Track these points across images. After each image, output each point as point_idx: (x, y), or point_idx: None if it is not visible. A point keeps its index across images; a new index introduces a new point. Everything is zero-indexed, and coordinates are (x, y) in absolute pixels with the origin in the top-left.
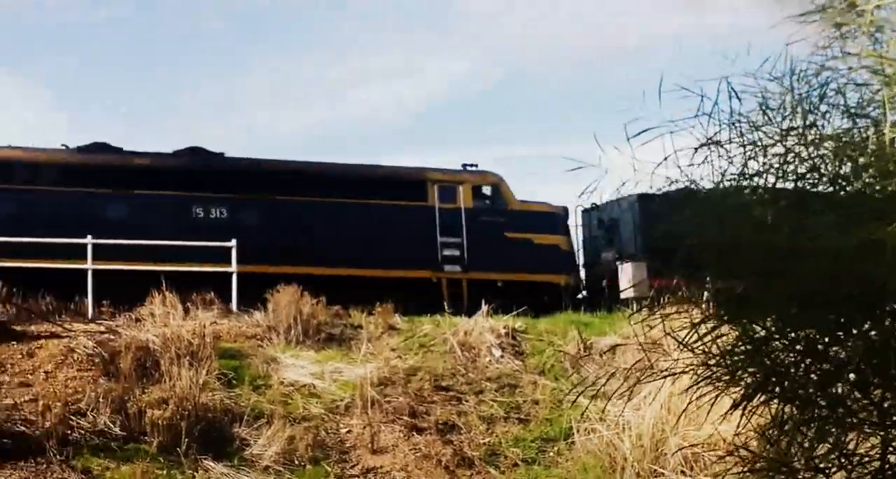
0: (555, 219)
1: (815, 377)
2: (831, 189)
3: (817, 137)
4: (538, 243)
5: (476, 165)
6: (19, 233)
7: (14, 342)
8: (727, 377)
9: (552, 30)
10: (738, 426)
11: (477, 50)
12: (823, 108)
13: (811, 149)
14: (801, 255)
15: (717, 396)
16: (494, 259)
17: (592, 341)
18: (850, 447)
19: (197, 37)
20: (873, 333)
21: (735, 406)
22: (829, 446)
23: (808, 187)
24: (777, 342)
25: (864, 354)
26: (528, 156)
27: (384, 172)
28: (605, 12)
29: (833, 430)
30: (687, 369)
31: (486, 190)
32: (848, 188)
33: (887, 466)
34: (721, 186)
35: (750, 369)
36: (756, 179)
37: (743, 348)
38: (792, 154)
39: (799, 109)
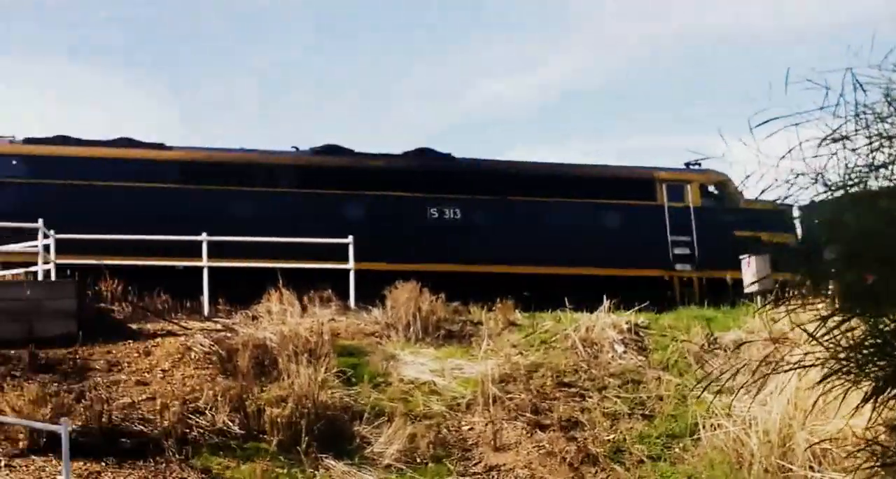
0: (783, 217)
1: None
2: None
3: None
4: (768, 241)
5: (699, 164)
6: (261, 233)
7: (131, 341)
8: (856, 371)
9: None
10: (868, 421)
11: (594, 42)
12: None
13: None
14: None
15: (846, 390)
16: (725, 257)
17: (717, 335)
18: None
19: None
20: None
21: (865, 400)
22: None
23: None
24: None
25: None
26: (647, 148)
27: (614, 172)
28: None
29: None
30: (816, 363)
31: (713, 188)
32: None
33: None
34: (847, 178)
35: (879, 363)
36: (882, 170)
37: (872, 341)
38: None
39: None
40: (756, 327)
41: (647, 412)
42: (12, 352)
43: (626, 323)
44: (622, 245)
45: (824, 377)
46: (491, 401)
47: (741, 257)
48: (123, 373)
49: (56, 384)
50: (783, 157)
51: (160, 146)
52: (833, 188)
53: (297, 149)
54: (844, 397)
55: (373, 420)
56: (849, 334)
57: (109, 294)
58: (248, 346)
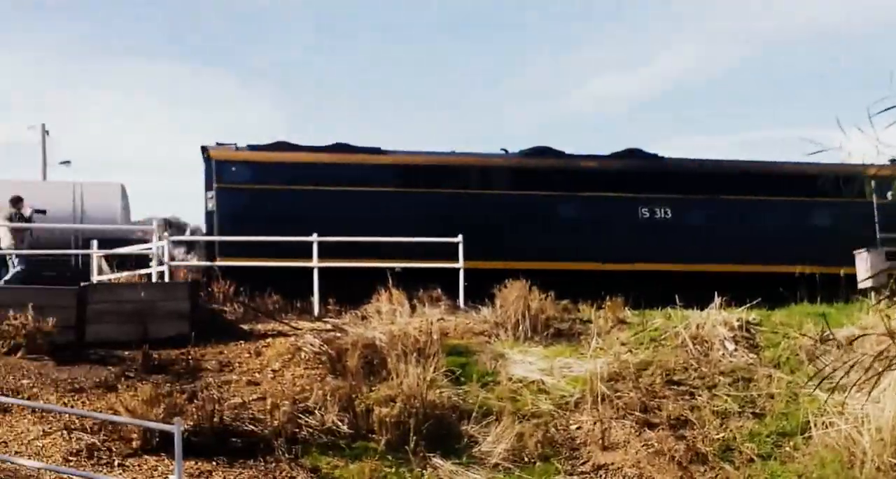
0: None
1: None
2: None
3: None
4: None
5: None
6: (477, 235)
7: (242, 341)
8: None
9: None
10: None
11: (708, 35)
12: None
13: None
14: None
15: None
16: None
17: (830, 332)
18: None
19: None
20: None
21: None
22: None
23: None
24: None
25: None
26: (759, 141)
27: (823, 168)
28: None
29: None
30: None
31: None
32: None
33: None
34: None
35: None
36: None
37: None
38: None
39: None
40: (870, 324)
41: (757, 411)
42: (126, 353)
43: (738, 320)
44: (834, 243)
45: None
46: (599, 400)
47: (856, 251)
48: (234, 373)
49: (169, 385)
50: None
51: (377, 151)
52: None
53: (506, 151)
54: None
55: (481, 419)
56: None
57: (221, 295)
58: (358, 346)
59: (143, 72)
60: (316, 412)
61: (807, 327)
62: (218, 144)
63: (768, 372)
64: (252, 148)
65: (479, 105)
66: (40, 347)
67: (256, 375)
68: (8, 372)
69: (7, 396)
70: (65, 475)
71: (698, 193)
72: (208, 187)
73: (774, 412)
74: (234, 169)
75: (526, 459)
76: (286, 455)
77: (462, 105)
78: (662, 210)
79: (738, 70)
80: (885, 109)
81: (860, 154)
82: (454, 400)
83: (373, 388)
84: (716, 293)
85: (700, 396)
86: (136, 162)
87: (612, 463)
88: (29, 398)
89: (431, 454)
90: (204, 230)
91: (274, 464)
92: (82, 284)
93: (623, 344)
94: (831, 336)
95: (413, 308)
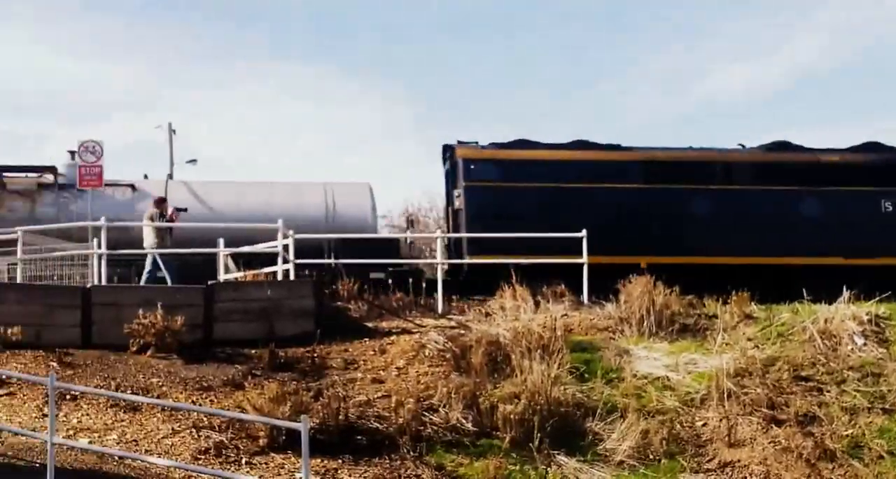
0: None
1: None
2: None
3: None
4: None
5: None
6: (717, 230)
7: (367, 339)
8: None
9: None
10: None
11: (831, 27)
12: None
13: None
14: None
15: None
16: None
17: None
18: None
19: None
20: None
21: None
22: None
23: None
24: None
25: None
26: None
27: None
28: None
29: None
30: None
31: None
32: None
33: None
34: None
35: None
36: None
37: None
38: None
39: None
40: None
41: (887, 406)
42: (253, 351)
43: (867, 315)
44: None
45: None
46: (725, 396)
47: None
48: (359, 371)
49: (295, 383)
50: None
51: (617, 147)
52: None
53: (743, 146)
54: None
55: (605, 416)
56: None
57: (346, 293)
58: (482, 343)
59: (266, 71)
60: (440, 409)
61: None
62: (460, 142)
63: None
64: (494, 146)
65: (602, 95)
66: (169, 345)
67: (381, 372)
68: (138, 371)
69: (137, 394)
70: (193, 474)
71: None
72: (454, 185)
73: None
74: (480, 167)
75: (651, 456)
76: (411, 453)
77: (586, 96)
78: None
79: (864, 60)
80: None
81: None
82: (578, 397)
83: (497, 385)
84: None
85: (828, 392)
86: (256, 159)
87: (739, 460)
88: (158, 397)
89: (556, 452)
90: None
91: (399, 462)
92: (209, 282)
93: (749, 339)
94: None
95: (537, 304)
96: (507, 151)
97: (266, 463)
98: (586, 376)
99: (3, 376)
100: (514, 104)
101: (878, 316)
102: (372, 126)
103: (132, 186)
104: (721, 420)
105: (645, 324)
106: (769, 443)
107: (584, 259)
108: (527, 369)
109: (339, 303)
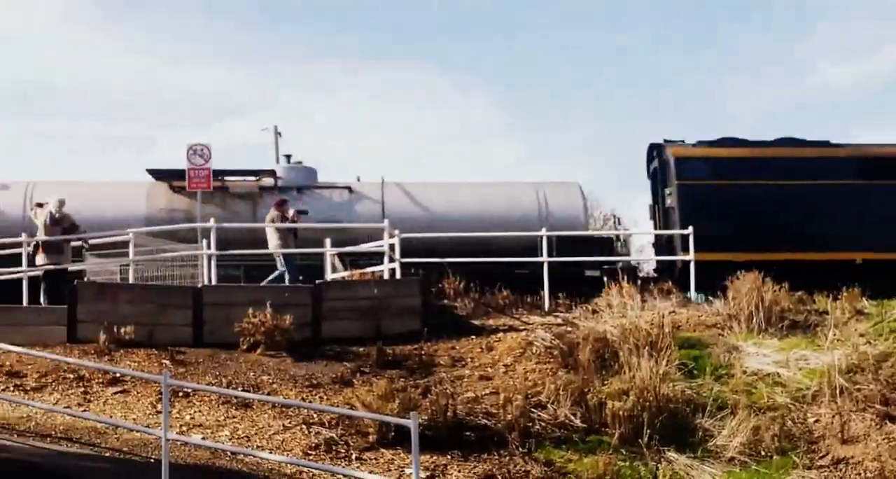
0: None
1: None
2: None
3: None
4: None
5: None
6: None
7: (473, 336)
8: None
9: None
10: None
11: None
12: None
13: None
14: None
15: None
16: None
17: None
18: None
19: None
20: None
21: None
22: None
23: None
24: None
25: None
26: None
27: None
28: None
29: None
30: None
31: None
32: None
33: None
34: None
35: None
36: None
37: None
38: None
39: None
40: None
41: None
42: (361, 349)
43: None
44: None
45: None
46: (838, 392)
47: None
48: (467, 368)
49: (402, 380)
50: None
51: (826, 144)
52: None
53: None
54: None
55: (715, 413)
56: None
57: (451, 291)
58: (589, 340)
59: (362, 71)
60: (548, 406)
61: None
62: (667, 141)
63: None
64: (702, 144)
65: (696, 92)
66: (279, 344)
67: (488, 369)
68: (248, 368)
69: (248, 391)
70: (305, 469)
71: None
72: (664, 184)
73: None
74: (691, 165)
75: (763, 453)
76: (519, 449)
77: (680, 92)
78: None
79: None
80: None
81: None
82: (688, 394)
83: (605, 382)
84: None
85: None
86: (357, 160)
87: (852, 457)
88: (269, 394)
89: (665, 448)
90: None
91: (508, 458)
92: (316, 282)
93: (861, 335)
94: None
95: (644, 301)
96: (717, 149)
97: (376, 459)
98: (695, 372)
99: (118, 374)
100: (602, 102)
101: None
102: (460, 124)
103: (349, 189)
104: (833, 417)
105: (754, 320)
106: (883, 439)
107: (691, 256)
108: (635, 366)
109: (445, 301)
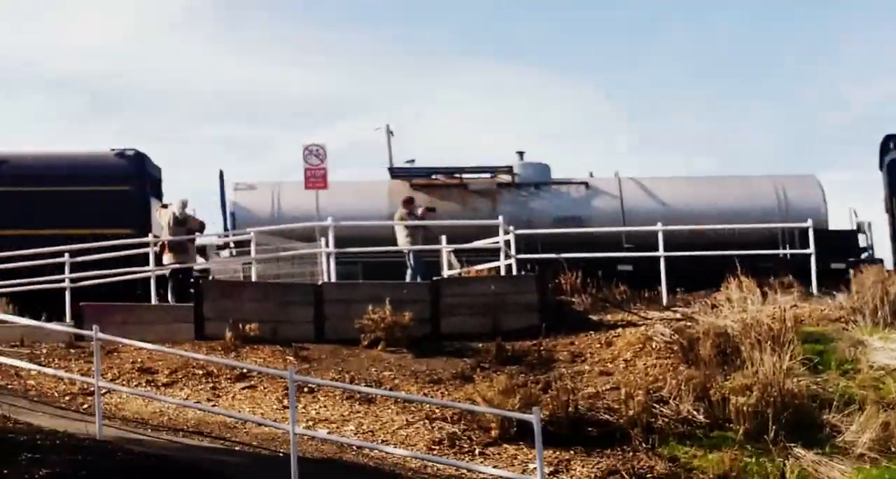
0: None
1: None
2: None
3: None
4: None
5: None
6: None
7: (592, 332)
8: None
9: None
10: None
11: None
12: None
13: None
14: None
15: None
16: None
17: None
18: None
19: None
20: None
21: None
22: None
23: None
24: None
25: None
26: None
27: None
28: None
29: None
30: None
31: None
32: None
33: None
34: None
35: None
36: None
37: None
38: None
39: None
40: None
41: None
42: (480, 345)
43: None
44: None
45: None
46: None
47: None
48: (586, 363)
49: (522, 375)
50: None
51: None
52: None
53: None
54: None
55: (842, 408)
56: None
57: (569, 287)
58: (709, 334)
59: (470, 70)
60: (670, 401)
61: None
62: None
63: None
64: None
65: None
66: (399, 340)
67: (608, 365)
68: (370, 364)
69: (370, 387)
70: (429, 463)
71: None
72: None
73: None
74: None
75: (894, 449)
76: (643, 445)
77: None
78: None
79: None
80: None
81: None
82: (813, 389)
83: (727, 377)
84: None
85: None
86: (469, 157)
87: None
88: (391, 389)
89: (791, 444)
90: None
91: (631, 453)
92: (434, 278)
93: None
94: None
95: (764, 295)
96: None
97: (499, 454)
98: (819, 367)
99: (245, 370)
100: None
101: None
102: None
103: (585, 184)
104: None
105: (879, 314)
106: None
107: (812, 250)
108: (757, 361)
109: (562, 297)
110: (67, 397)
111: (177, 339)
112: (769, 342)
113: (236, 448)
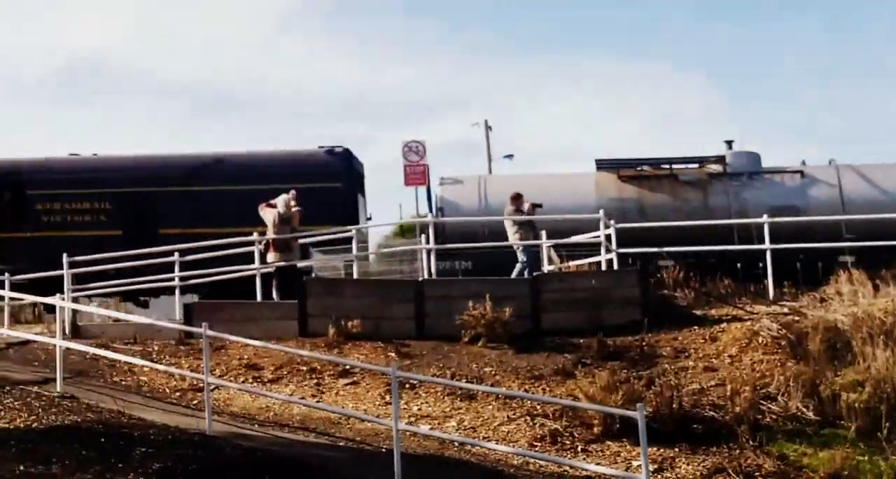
0: None
1: None
2: None
3: None
4: None
5: None
6: None
7: (696, 327)
8: None
9: None
10: None
11: None
12: None
13: None
14: None
15: None
16: None
17: None
18: None
19: None
20: None
21: None
22: None
23: None
24: None
25: None
26: None
27: None
28: None
29: None
30: None
31: None
32: None
33: None
34: None
35: None
36: None
37: None
38: None
39: None
40: None
41: None
42: (581, 341)
43: None
44: None
45: None
46: None
47: None
48: (690, 359)
49: (625, 371)
50: None
51: None
52: None
53: None
54: None
55: None
56: None
57: (671, 281)
58: (819, 329)
59: (571, 63)
60: (778, 398)
61: None
62: None
63: None
64: None
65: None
66: (499, 336)
67: (713, 361)
68: (471, 360)
69: (471, 383)
70: (531, 460)
71: None
72: None
73: None
74: None
75: None
76: (750, 442)
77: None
78: None
79: None
80: None
81: None
82: None
83: (837, 373)
84: None
85: None
86: (572, 151)
87: None
88: (492, 386)
89: None
90: None
91: (738, 451)
92: (534, 274)
93: None
94: None
95: (876, 288)
96: None
97: (601, 451)
98: None
99: (348, 366)
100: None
101: None
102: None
103: (801, 173)
104: None
105: None
106: None
107: None
108: (869, 356)
109: (664, 291)
110: (178, 393)
111: (281, 336)
112: (881, 337)
113: (340, 444)
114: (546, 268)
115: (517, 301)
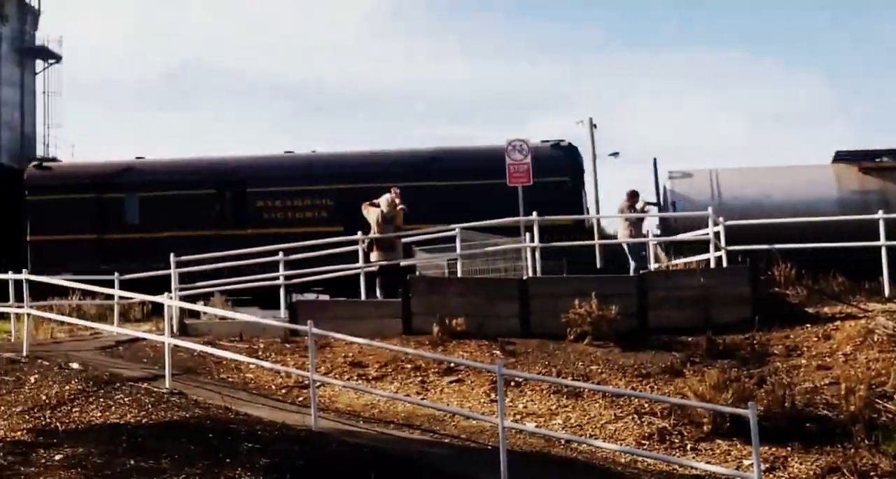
0: None
1: None
2: None
3: None
4: None
5: None
6: None
7: (808, 325)
8: None
9: None
10: None
11: None
12: None
13: None
14: None
15: None
16: None
17: None
18: None
19: None
20: None
21: None
22: None
23: None
24: None
25: None
26: None
27: None
28: None
29: None
30: None
31: None
32: None
33: None
34: None
35: None
36: None
37: None
38: None
39: None
40: None
41: None
42: (690, 339)
43: None
44: None
45: None
46: None
47: None
48: (803, 358)
49: (735, 370)
50: None
51: None
52: None
53: None
54: None
55: None
56: None
57: (782, 278)
58: None
59: (678, 60)
60: (895, 396)
61: None
62: None
63: None
64: None
65: None
66: (605, 334)
67: (826, 359)
68: (576, 358)
69: (578, 381)
70: (639, 459)
71: None
72: None
73: None
74: None
75: None
76: (865, 442)
77: None
78: None
79: None
80: None
81: None
82: None
83: None
84: None
85: None
86: (679, 147)
87: None
88: (599, 384)
89: None
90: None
91: (853, 450)
92: (641, 272)
93: None
94: None
95: None
96: None
97: (711, 449)
98: None
99: (452, 364)
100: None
101: None
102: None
103: None
104: None
105: None
106: None
107: None
108: None
109: (775, 289)
110: (283, 390)
111: (385, 334)
112: None
113: (445, 441)
114: (652, 266)
115: (623, 299)
